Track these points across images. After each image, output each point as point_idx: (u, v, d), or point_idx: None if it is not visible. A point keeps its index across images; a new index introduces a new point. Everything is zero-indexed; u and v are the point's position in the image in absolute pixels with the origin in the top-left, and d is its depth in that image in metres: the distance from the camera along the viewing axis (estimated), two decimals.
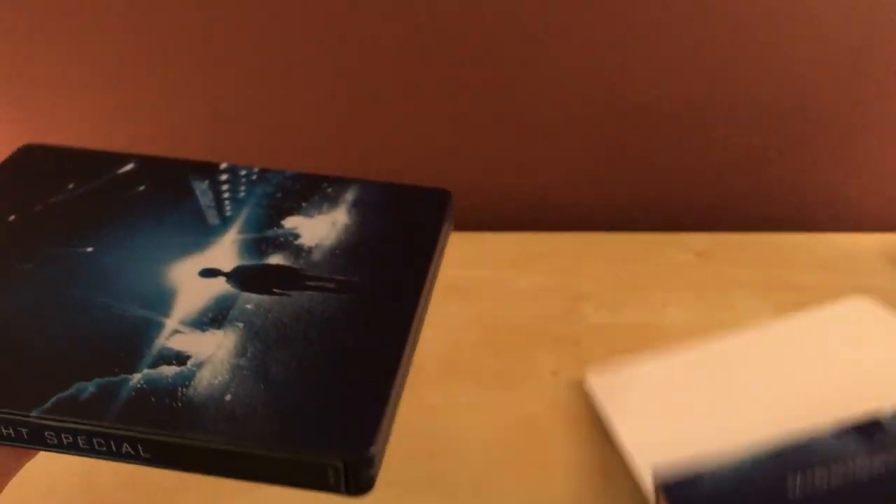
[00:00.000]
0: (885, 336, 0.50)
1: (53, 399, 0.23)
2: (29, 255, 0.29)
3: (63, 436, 0.23)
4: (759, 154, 0.66)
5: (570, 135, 0.64)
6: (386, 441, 0.24)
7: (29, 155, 0.34)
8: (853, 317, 0.53)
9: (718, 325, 0.53)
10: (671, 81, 0.62)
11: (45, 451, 0.24)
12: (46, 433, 0.23)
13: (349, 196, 0.33)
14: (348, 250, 0.30)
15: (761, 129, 0.65)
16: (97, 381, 0.24)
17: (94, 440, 0.23)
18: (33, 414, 0.23)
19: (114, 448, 0.23)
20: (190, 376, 0.24)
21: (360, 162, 0.65)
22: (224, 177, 0.34)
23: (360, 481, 0.23)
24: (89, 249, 0.29)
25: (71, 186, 0.33)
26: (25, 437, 0.23)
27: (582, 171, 0.67)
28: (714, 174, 0.67)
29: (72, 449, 0.23)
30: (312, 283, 0.28)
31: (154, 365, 0.25)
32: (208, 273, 0.28)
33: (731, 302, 0.56)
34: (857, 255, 0.62)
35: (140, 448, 0.23)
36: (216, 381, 0.24)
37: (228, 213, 0.31)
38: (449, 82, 0.62)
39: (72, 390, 0.24)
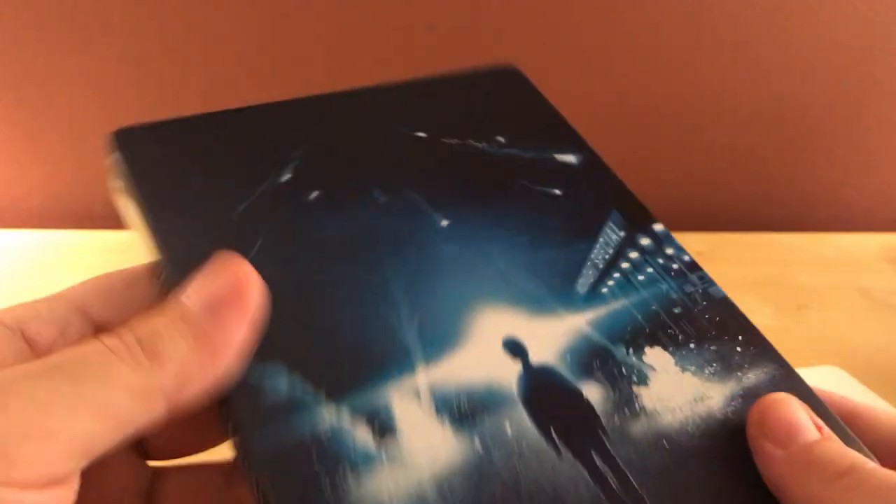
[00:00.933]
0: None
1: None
2: (395, 188, 0.24)
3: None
4: (759, 154, 0.66)
5: None
6: None
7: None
8: (822, 383, 0.49)
9: None
10: (671, 81, 0.62)
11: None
12: None
13: (753, 377, 0.23)
14: (679, 454, 0.20)
15: (761, 128, 0.65)
16: (296, 379, 0.19)
17: (235, 438, 0.18)
18: None
19: (241, 462, 0.18)
20: (368, 462, 0.18)
21: None
22: (645, 241, 0.25)
23: None
24: (444, 223, 0.23)
25: (501, 140, 0.26)
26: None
27: None
28: (714, 174, 0.67)
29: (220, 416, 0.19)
30: (597, 462, 0.19)
31: (358, 410, 0.19)
32: (512, 346, 0.21)
33: None
34: (857, 255, 0.62)
35: (255, 488, 0.18)
36: (385, 497, 0.17)
37: (603, 291, 0.23)
38: None
39: (265, 367, 0.19)
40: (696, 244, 0.63)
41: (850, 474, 0.17)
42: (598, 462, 0.19)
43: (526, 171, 0.25)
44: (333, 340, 0.20)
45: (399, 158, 0.25)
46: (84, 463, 0.16)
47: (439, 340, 0.20)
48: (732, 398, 0.22)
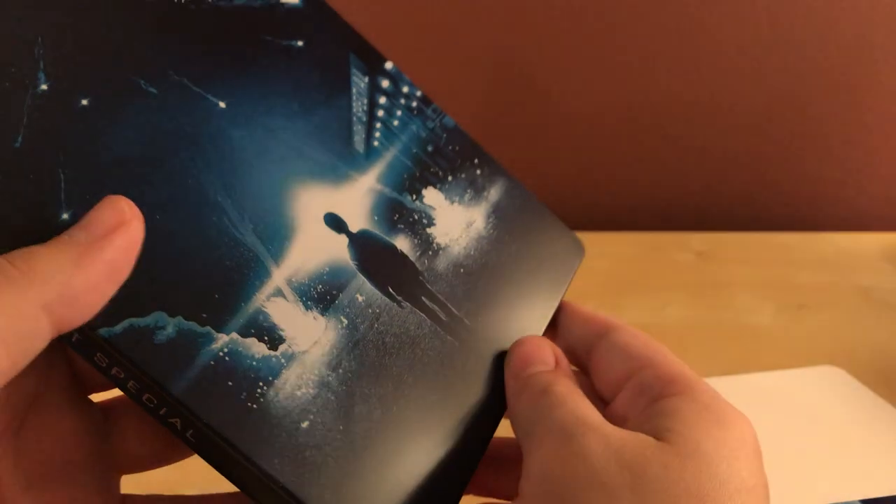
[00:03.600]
0: (853, 405, 0.46)
1: (126, 324, 0.19)
2: (159, 74, 0.22)
3: (115, 369, 0.19)
4: (759, 154, 0.66)
5: (569, 135, 0.64)
6: None
7: None
8: (821, 382, 0.48)
9: (718, 324, 0.53)
10: (671, 81, 0.62)
11: (86, 362, 0.19)
12: (98, 354, 0.19)
13: (494, 193, 0.27)
14: (471, 276, 0.25)
15: (761, 128, 0.65)
16: (180, 321, 0.19)
17: (147, 394, 0.19)
18: (101, 332, 0.18)
19: (162, 412, 0.19)
20: (275, 370, 0.20)
21: None
22: (385, 83, 0.27)
23: None
24: (222, 105, 0.22)
25: None
26: (74, 341, 0.19)
27: (582, 171, 0.67)
28: (714, 174, 0.67)
29: (116, 382, 0.19)
30: (428, 304, 0.23)
31: (245, 331, 0.20)
32: (334, 222, 0.23)
33: (731, 302, 0.56)
34: (857, 255, 0.62)
35: (190, 431, 0.19)
36: (299, 393, 0.20)
37: (375, 145, 0.25)
38: (448, 82, 0.62)
39: (148, 320, 0.19)
40: (696, 244, 0.64)
41: (544, 394, 0.22)
42: (427, 302, 0.23)
43: (263, 25, 0.25)
44: (189, 272, 0.20)
45: (141, 30, 0.22)
46: None
47: (275, 235, 0.21)
48: (488, 216, 0.26)
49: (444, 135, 0.27)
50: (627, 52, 0.61)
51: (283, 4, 0.26)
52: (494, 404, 0.23)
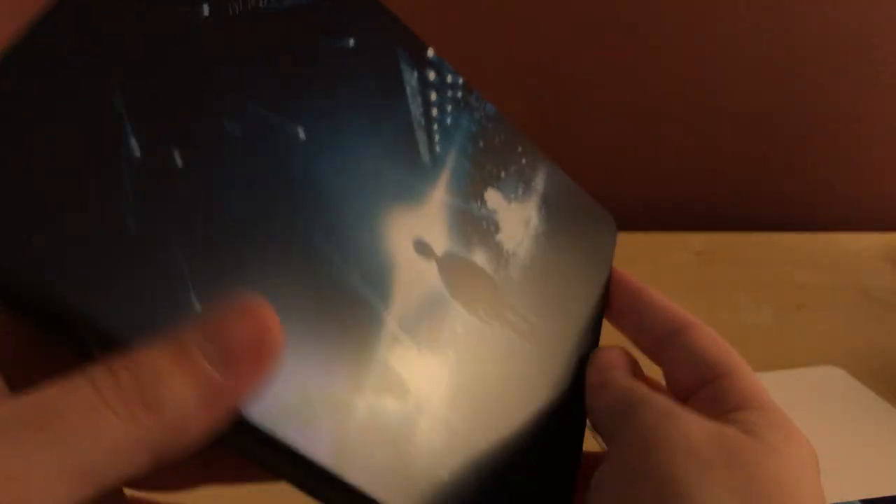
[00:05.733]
0: (853, 405, 0.46)
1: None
2: (237, 107, 0.19)
3: (257, 452, 0.17)
4: (758, 154, 0.66)
5: (569, 135, 0.64)
6: None
7: None
8: (821, 382, 0.48)
9: (718, 325, 0.53)
10: (671, 81, 0.62)
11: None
12: (246, 445, 0.17)
13: (539, 182, 0.26)
14: (537, 276, 0.24)
15: (761, 128, 0.65)
16: (322, 395, 0.17)
17: (302, 480, 0.17)
18: (252, 420, 0.16)
19: (310, 487, 0.17)
20: (408, 423, 0.18)
21: None
22: (432, 75, 0.25)
23: None
24: (302, 136, 0.20)
25: None
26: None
27: (581, 171, 0.67)
28: (714, 174, 0.67)
29: (251, 458, 0.17)
30: (510, 317, 0.23)
31: (378, 388, 0.18)
32: (421, 249, 0.22)
33: (731, 302, 0.56)
34: (857, 255, 0.62)
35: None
36: (432, 443, 0.18)
37: (438, 151, 0.24)
38: None
39: (298, 402, 0.17)
40: (696, 244, 0.64)
41: (632, 390, 0.22)
42: (510, 317, 0.23)
43: (317, 24, 0.23)
44: (321, 337, 0.18)
45: (208, 60, 0.19)
46: None
47: (379, 276, 0.20)
48: (539, 209, 0.26)
49: (490, 125, 0.26)
50: (625, 54, 0.61)
51: None
52: (578, 401, 0.24)
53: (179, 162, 0.17)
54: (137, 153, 0.17)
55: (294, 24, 0.22)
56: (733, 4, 0.59)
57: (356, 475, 0.17)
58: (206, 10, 0.20)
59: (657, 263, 0.61)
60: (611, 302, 0.27)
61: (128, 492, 0.24)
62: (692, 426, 0.20)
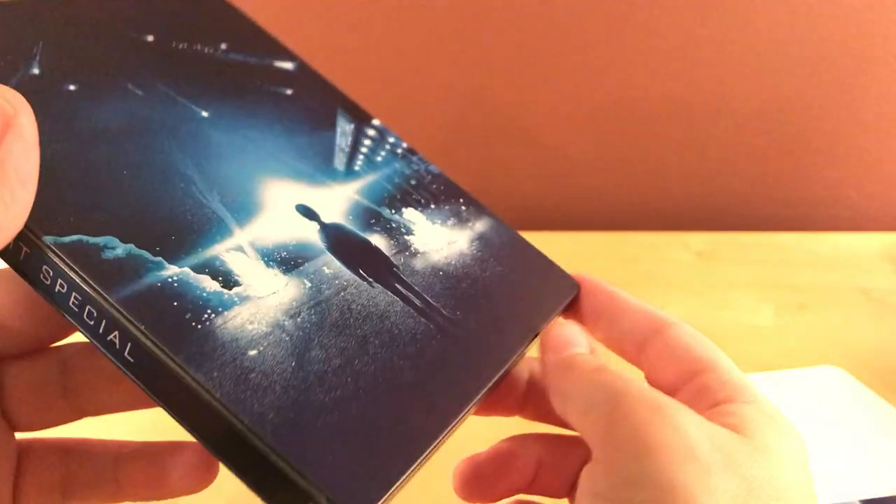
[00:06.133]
0: (853, 405, 0.46)
1: (75, 237, 0.19)
2: (148, 83, 0.24)
3: (59, 282, 0.19)
4: (758, 154, 0.66)
5: (569, 135, 0.64)
6: (391, 500, 0.19)
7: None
8: (821, 382, 0.48)
9: (718, 324, 0.53)
10: (671, 81, 0.62)
11: (31, 287, 0.20)
12: (44, 268, 0.19)
13: (479, 226, 0.28)
14: (451, 279, 0.25)
15: (761, 128, 0.65)
16: (132, 247, 0.20)
17: (88, 307, 0.19)
18: (47, 239, 0.19)
19: (102, 328, 0.19)
20: (226, 305, 0.20)
21: None
22: (371, 132, 0.29)
23: None
24: (204, 114, 0.25)
25: (223, 47, 0.28)
26: (22, 259, 0.20)
27: (582, 171, 0.67)
28: (714, 174, 0.67)
29: (58, 300, 0.20)
30: (401, 289, 0.24)
31: (198, 268, 0.21)
32: (305, 211, 0.24)
33: (731, 302, 0.56)
34: (857, 255, 0.62)
35: (128, 346, 0.19)
36: (250, 327, 0.20)
37: (356, 169, 0.27)
38: (448, 82, 0.62)
39: (98, 240, 0.20)
40: (696, 244, 0.64)
41: (600, 371, 0.22)
42: (401, 289, 0.24)
43: (255, 74, 0.28)
44: (148, 214, 0.21)
45: (140, 58, 0.25)
46: None
47: (242, 208, 0.23)
48: (472, 241, 0.28)
49: (429, 176, 0.29)
50: (628, 53, 0.61)
51: (275, 65, 0.29)
52: (471, 387, 0.23)
53: (72, 87, 0.23)
54: (35, 71, 0.22)
55: (234, 66, 0.28)
56: (734, 4, 0.59)
57: (144, 314, 0.19)
58: (150, 38, 0.26)
59: (657, 263, 0.61)
60: (586, 311, 0.27)
61: (18, 436, 0.24)
62: (689, 425, 0.20)
